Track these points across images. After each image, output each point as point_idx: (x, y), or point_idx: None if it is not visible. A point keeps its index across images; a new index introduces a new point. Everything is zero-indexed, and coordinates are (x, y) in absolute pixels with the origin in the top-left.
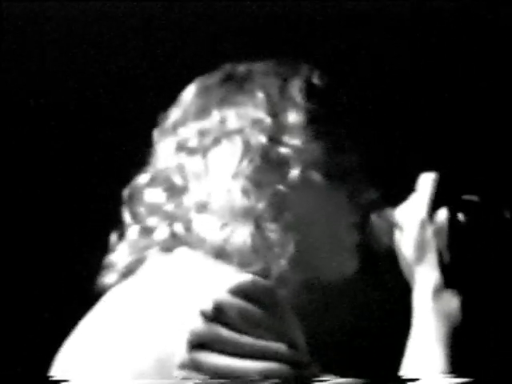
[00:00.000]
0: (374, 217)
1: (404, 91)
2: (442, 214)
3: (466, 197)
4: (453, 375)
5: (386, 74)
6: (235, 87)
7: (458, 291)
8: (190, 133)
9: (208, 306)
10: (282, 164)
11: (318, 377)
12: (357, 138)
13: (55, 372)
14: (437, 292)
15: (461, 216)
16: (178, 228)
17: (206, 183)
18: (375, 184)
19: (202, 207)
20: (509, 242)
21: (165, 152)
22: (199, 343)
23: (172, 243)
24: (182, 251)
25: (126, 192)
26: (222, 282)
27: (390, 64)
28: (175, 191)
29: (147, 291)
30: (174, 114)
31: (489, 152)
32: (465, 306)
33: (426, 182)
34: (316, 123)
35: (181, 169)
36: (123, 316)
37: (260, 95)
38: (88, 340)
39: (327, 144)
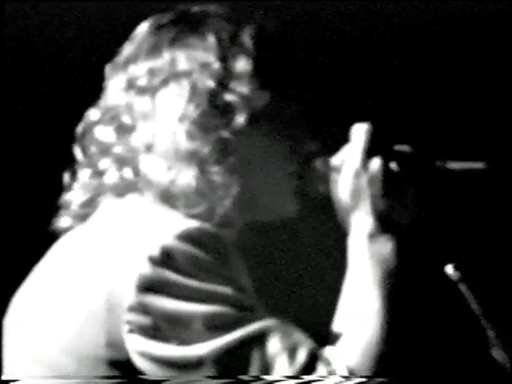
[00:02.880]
0: (312, 165)
1: (342, 46)
2: (375, 163)
3: (398, 146)
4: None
5: (329, 27)
6: (188, 28)
7: (391, 236)
8: (140, 71)
9: (156, 251)
10: (228, 110)
11: (263, 319)
12: (301, 89)
13: (9, 323)
14: (371, 237)
15: (393, 165)
16: (127, 173)
17: (153, 124)
18: (314, 134)
19: (149, 149)
20: (438, 189)
21: (115, 89)
22: (147, 287)
23: (122, 188)
24: (132, 197)
25: (78, 128)
26: (169, 228)
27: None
28: (124, 131)
29: (98, 237)
30: (127, 49)
31: (421, 102)
32: (398, 250)
33: (360, 133)
34: (264, 72)
35: (129, 108)
36: (75, 261)
37: (211, 39)
38: (41, 285)
39: (273, 93)
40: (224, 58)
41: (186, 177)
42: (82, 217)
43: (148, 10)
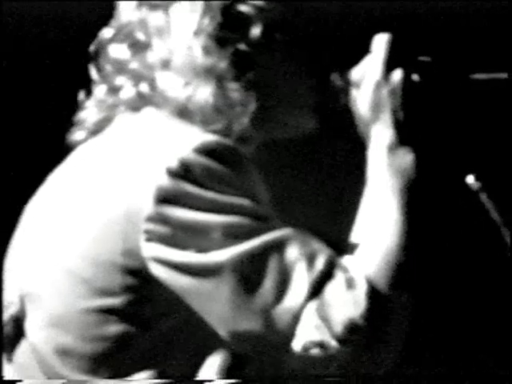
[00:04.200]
0: (331, 77)
1: None
2: (397, 75)
3: (421, 58)
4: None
5: None
6: None
7: (411, 148)
8: None
9: (174, 163)
10: (243, 22)
11: (280, 229)
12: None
13: (24, 229)
14: (391, 149)
15: (415, 76)
16: (144, 87)
17: (169, 40)
18: (333, 46)
19: (165, 65)
20: (462, 100)
21: (127, 6)
22: (165, 198)
23: (138, 102)
24: (148, 111)
25: (92, 47)
26: (187, 141)
27: None
28: (139, 47)
29: (115, 148)
30: None
31: (443, 14)
32: (418, 162)
33: (381, 44)
34: None
35: (143, 24)
36: (92, 171)
37: None
38: (58, 192)
39: (289, 4)
40: None
41: (204, 93)
42: (96, 132)
43: None
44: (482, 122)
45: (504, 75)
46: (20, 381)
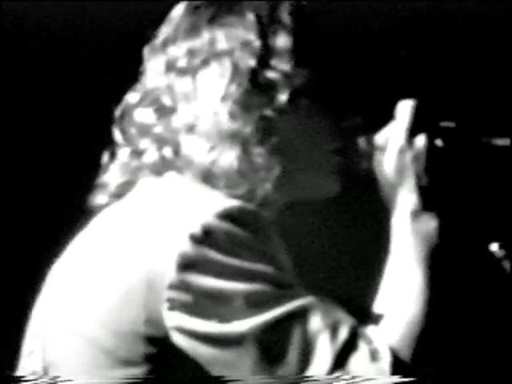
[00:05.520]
0: (356, 142)
1: (385, 21)
2: (420, 140)
3: (444, 123)
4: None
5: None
6: (225, 7)
7: (435, 214)
8: (179, 52)
9: (197, 229)
10: (270, 88)
11: (302, 297)
12: (343, 65)
13: (46, 295)
14: (415, 215)
15: (438, 142)
16: (167, 152)
17: (195, 105)
18: (358, 110)
19: (190, 129)
20: (485, 166)
21: (154, 71)
22: (188, 265)
23: (161, 167)
24: (171, 175)
25: (117, 111)
26: (210, 206)
27: None
28: (164, 112)
29: (137, 214)
30: (164, 32)
31: (466, 79)
32: (442, 227)
33: (405, 109)
34: (304, 48)
35: (170, 89)
36: (114, 237)
37: (250, 17)
38: (79, 259)
39: (315, 69)
40: (264, 36)
41: (229, 158)
42: (118, 195)
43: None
44: (506, 188)
45: None
46: (27, 381)
